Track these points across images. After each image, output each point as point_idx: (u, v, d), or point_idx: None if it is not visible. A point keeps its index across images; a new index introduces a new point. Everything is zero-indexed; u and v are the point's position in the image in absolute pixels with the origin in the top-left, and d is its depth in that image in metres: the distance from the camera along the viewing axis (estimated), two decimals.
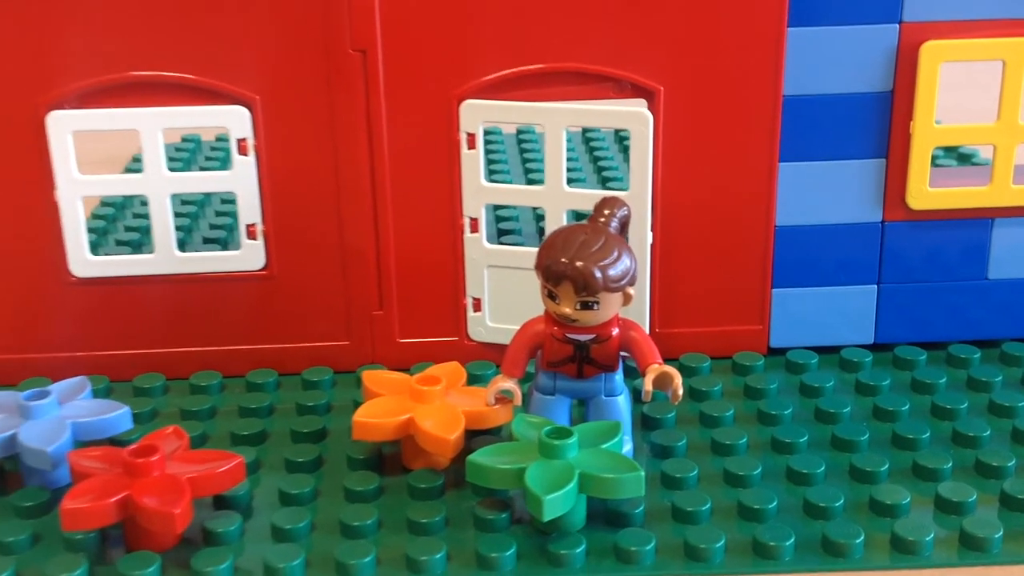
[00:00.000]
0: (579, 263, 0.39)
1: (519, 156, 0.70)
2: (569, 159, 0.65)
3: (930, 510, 0.40)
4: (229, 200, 0.62)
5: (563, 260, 0.39)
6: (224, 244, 0.58)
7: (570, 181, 0.47)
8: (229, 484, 0.39)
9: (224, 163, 0.68)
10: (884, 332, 0.51)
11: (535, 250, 0.45)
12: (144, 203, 0.48)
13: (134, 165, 0.68)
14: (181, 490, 0.37)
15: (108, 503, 0.36)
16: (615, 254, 0.39)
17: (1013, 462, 0.42)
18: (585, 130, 0.72)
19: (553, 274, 0.39)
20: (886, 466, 0.42)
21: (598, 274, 0.39)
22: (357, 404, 0.46)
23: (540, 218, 0.55)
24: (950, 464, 0.42)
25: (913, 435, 0.44)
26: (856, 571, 0.37)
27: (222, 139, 0.73)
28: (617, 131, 0.71)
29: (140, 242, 0.58)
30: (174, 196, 0.48)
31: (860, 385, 0.48)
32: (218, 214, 0.63)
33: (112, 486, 0.37)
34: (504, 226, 0.59)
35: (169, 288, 0.48)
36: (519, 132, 0.74)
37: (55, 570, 0.36)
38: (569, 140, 0.65)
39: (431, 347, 0.49)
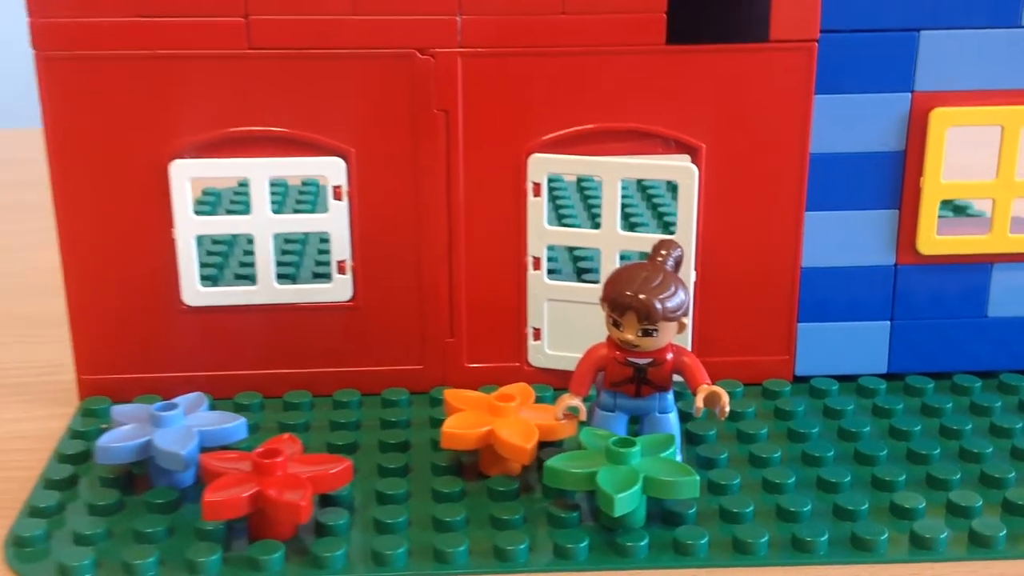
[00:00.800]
0: (642, 296, 0.44)
1: (582, 201, 0.76)
2: (630, 204, 0.70)
3: (942, 514, 0.45)
4: (323, 239, 0.67)
5: (628, 293, 0.45)
6: (315, 278, 0.63)
7: (632, 225, 0.52)
8: (340, 483, 0.44)
9: (313, 206, 0.74)
10: (897, 363, 0.56)
11: (589, 286, 0.51)
12: (250, 241, 0.54)
13: (204, 198, 0.73)
14: (304, 486, 0.42)
15: (242, 497, 0.42)
16: (672, 288, 0.45)
17: (1013, 474, 0.47)
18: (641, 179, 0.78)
19: (619, 305, 0.45)
20: (903, 476, 0.47)
21: (658, 305, 0.44)
22: (433, 420, 0.52)
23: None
24: (958, 475, 0.47)
25: (925, 451, 0.49)
26: (881, 563, 0.43)
27: (308, 183, 0.78)
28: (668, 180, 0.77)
29: (245, 275, 0.63)
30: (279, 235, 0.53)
31: (876, 408, 0.53)
32: (289, 249, 0.68)
33: (244, 483, 0.42)
34: (582, 264, 0.64)
35: (267, 316, 0.54)
36: (580, 180, 0.79)
37: (195, 555, 0.42)
38: (626, 187, 0.71)
39: (495, 371, 0.55)
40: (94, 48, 0.50)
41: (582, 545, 0.43)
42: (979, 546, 0.43)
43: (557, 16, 0.50)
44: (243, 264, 0.64)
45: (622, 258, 0.53)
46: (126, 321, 0.53)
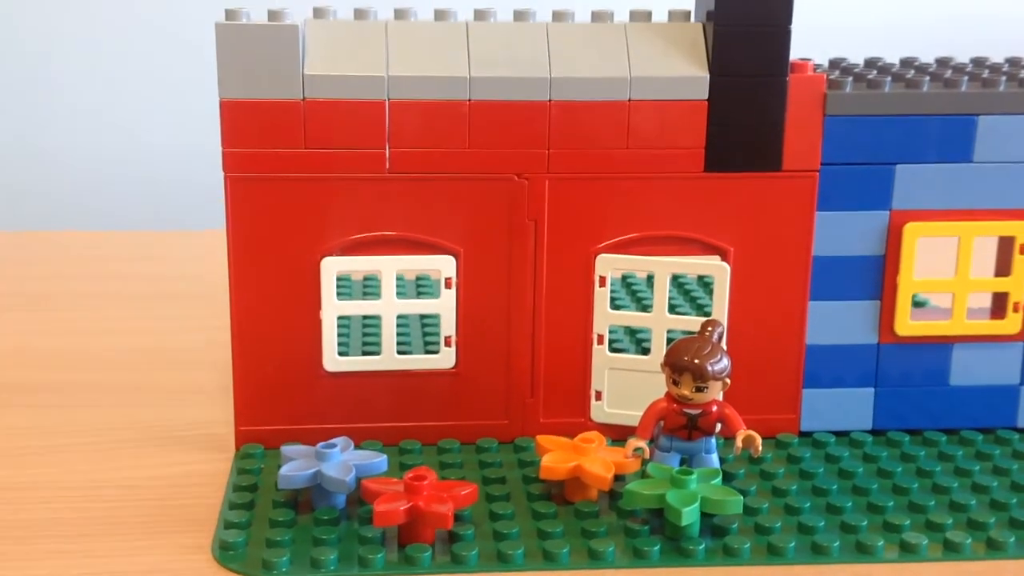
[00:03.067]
0: (696, 361, 0.56)
1: (625, 288, 0.88)
2: (671, 294, 0.82)
3: (922, 529, 0.56)
4: (425, 319, 0.79)
5: (686, 358, 0.57)
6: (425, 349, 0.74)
7: (673, 307, 0.64)
8: (470, 501, 0.55)
9: (430, 293, 0.85)
10: (880, 421, 0.66)
11: (641, 357, 0.63)
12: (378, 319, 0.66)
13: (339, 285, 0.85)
14: (446, 500, 0.53)
15: (401, 509, 0.53)
16: (718, 356, 0.57)
17: (974, 501, 0.59)
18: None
19: (679, 367, 0.57)
20: (891, 503, 0.58)
21: (708, 368, 0.56)
22: (520, 462, 0.63)
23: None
24: (933, 503, 0.58)
25: (906, 485, 0.60)
26: (877, 563, 0.54)
27: (421, 278, 0.90)
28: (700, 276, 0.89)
29: (370, 347, 0.74)
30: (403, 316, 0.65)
31: (866, 456, 0.64)
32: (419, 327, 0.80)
33: (400, 499, 0.53)
34: (641, 337, 0.76)
35: (388, 380, 0.65)
36: (624, 276, 0.91)
37: (366, 553, 0.53)
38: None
39: (564, 425, 0.65)
40: (270, 172, 0.61)
41: (655, 548, 0.54)
42: (952, 551, 0.55)
43: (621, 150, 0.63)
44: (367, 338, 0.76)
45: (669, 335, 0.65)
46: (278, 383, 0.64)
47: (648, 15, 0.64)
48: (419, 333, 0.78)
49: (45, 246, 1.09)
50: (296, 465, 0.57)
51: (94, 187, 1.56)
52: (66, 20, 1.55)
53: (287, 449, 0.59)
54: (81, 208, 1.53)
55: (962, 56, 0.71)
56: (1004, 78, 0.64)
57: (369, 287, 0.88)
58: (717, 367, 0.56)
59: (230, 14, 0.60)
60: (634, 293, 0.88)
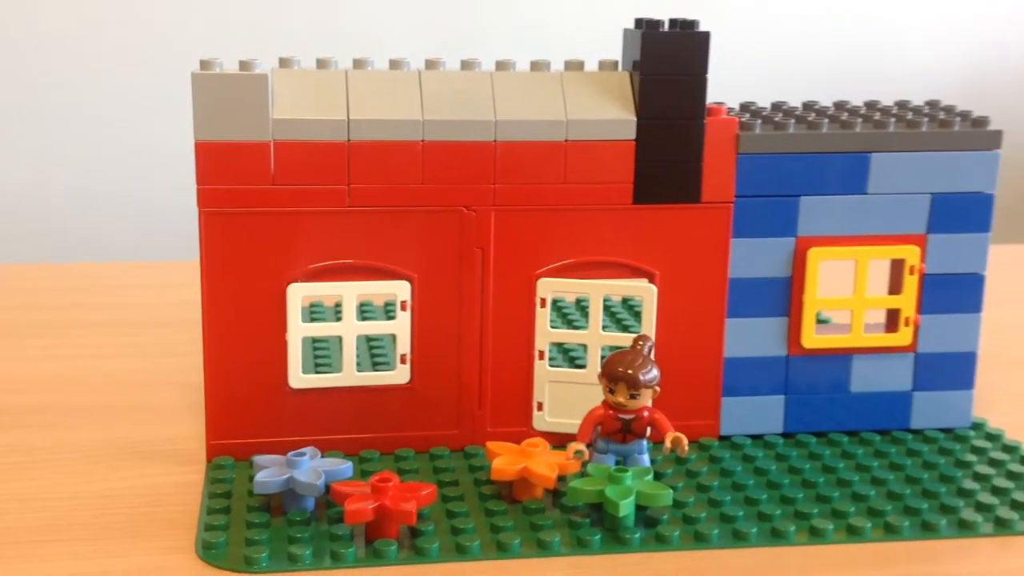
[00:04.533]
0: (630, 371, 0.62)
1: (555, 311, 0.94)
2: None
3: (829, 515, 0.63)
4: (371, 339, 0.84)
5: (620, 369, 0.62)
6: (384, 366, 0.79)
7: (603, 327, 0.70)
8: (429, 501, 0.60)
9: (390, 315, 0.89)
10: (790, 425, 0.72)
11: (578, 371, 0.68)
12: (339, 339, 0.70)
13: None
14: (410, 499, 0.58)
15: (369, 508, 0.57)
16: (649, 367, 0.63)
17: (873, 492, 0.66)
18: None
19: (615, 377, 0.62)
20: (801, 495, 0.65)
21: (641, 377, 0.62)
22: (470, 467, 0.68)
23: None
24: (837, 494, 0.65)
25: (813, 479, 0.67)
26: (791, 546, 0.60)
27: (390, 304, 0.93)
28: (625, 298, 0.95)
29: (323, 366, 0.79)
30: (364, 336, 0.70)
31: (779, 455, 0.70)
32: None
33: (368, 499, 0.58)
34: (573, 354, 0.82)
35: (349, 395, 0.69)
36: (554, 299, 0.96)
37: (338, 547, 0.57)
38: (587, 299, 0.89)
39: (510, 434, 0.69)
40: (241, 206, 0.66)
41: (596, 538, 0.59)
42: (854, 535, 0.61)
43: (559, 185, 0.68)
44: (319, 359, 0.80)
45: (603, 351, 0.71)
46: (246, 399, 0.68)
47: (581, 64, 0.70)
48: (367, 353, 0.83)
49: (4, 278, 1.11)
50: (269, 472, 0.61)
51: (46, 221, 1.59)
52: (18, 54, 1.58)
53: (259, 459, 0.63)
54: (35, 241, 1.56)
55: (856, 96, 0.78)
56: (893, 119, 0.71)
57: (316, 311, 0.93)
58: (648, 376, 0.62)
59: (204, 64, 0.65)
60: (564, 315, 0.93)
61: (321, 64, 0.68)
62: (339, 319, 0.69)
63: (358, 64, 0.68)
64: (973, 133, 0.71)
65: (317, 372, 0.69)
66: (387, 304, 0.94)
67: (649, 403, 0.63)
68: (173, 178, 1.46)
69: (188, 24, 1.66)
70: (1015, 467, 0.69)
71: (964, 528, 0.62)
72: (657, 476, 0.66)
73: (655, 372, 0.63)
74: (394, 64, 0.68)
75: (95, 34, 1.65)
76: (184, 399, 0.78)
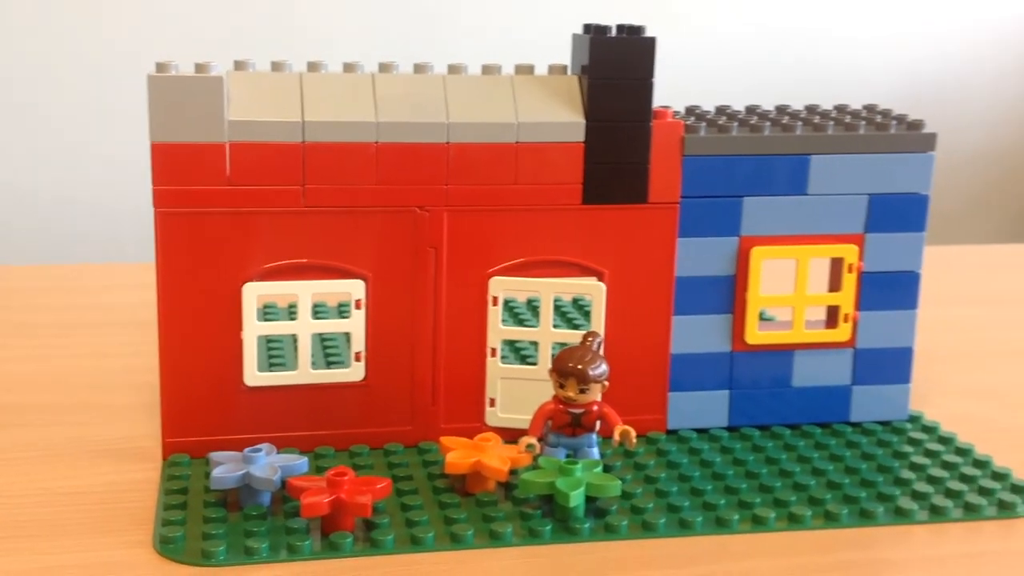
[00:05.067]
0: (579, 366, 0.63)
1: (507, 310, 0.95)
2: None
3: (771, 504, 0.65)
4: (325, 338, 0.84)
5: (570, 365, 0.63)
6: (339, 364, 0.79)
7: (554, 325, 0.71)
8: (384, 494, 0.60)
9: (344, 315, 0.89)
10: (734, 418, 0.73)
11: (530, 367, 0.70)
12: (295, 338, 0.71)
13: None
14: (366, 493, 0.59)
15: (325, 501, 0.58)
16: (598, 362, 0.64)
17: (813, 482, 0.67)
18: None
19: (564, 372, 0.64)
20: (744, 486, 0.66)
21: (590, 372, 0.63)
22: (424, 462, 0.69)
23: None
24: (779, 484, 0.67)
25: (756, 470, 0.69)
26: (734, 534, 0.62)
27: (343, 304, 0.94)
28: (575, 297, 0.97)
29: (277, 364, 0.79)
30: (317, 335, 0.70)
31: (723, 448, 0.72)
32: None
33: (324, 492, 0.59)
34: (524, 352, 0.83)
35: (304, 392, 0.70)
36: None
37: (295, 540, 0.58)
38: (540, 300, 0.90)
39: (463, 429, 0.70)
40: (197, 207, 0.66)
41: (547, 528, 0.61)
42: (795, 523, 0.63)
43: (510, 186, 0.69)
44: (274, 355, 0.81)
45: (553, 348, 0.72)
46: (202, 397, 0.69)
47: (531, 68, 0.71)
48: (320, 351, 0.84)
49: None
50: (226, 468, 0.62)
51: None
52: None
53: (215, 455, 0.64)
54: None
55: (796, 101, 0.81)
56: (832, 123, 0.74)
57: (270, 311, 0.93)
58: (597, 372, 0.63)
59: (160, 67, 0.65)
60: (515, 314, 0.95)
61: (276, 67, 0.69)
62: (293, 319, 0.70)
63: (312, 67, 0.69)
64: (908, 136, 0.73)
65: (271, 371, 0.69)
66: (340, 304, 0.95)
67: (598, 398, 0.65)
68: (128, 179, 1.46)
69: (141, 27, 1.66)
70: (950, 458, 0.71)
71: (900, 516, 0.64)
72: (606, 469, 0.67)
73: (604, 367, 0.64)
74: (348, 67, 0.69)
75: (49, 35, 1.64)
76: (139, 399, 0.78)
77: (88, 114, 1.65)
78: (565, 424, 0.65)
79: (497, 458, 0.64)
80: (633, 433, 0.64)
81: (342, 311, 0.93)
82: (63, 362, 0.86)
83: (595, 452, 0.66)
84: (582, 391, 0.64)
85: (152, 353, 0.82)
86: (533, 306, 0.98)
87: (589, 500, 0.62)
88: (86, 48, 1.64)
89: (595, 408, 0.65)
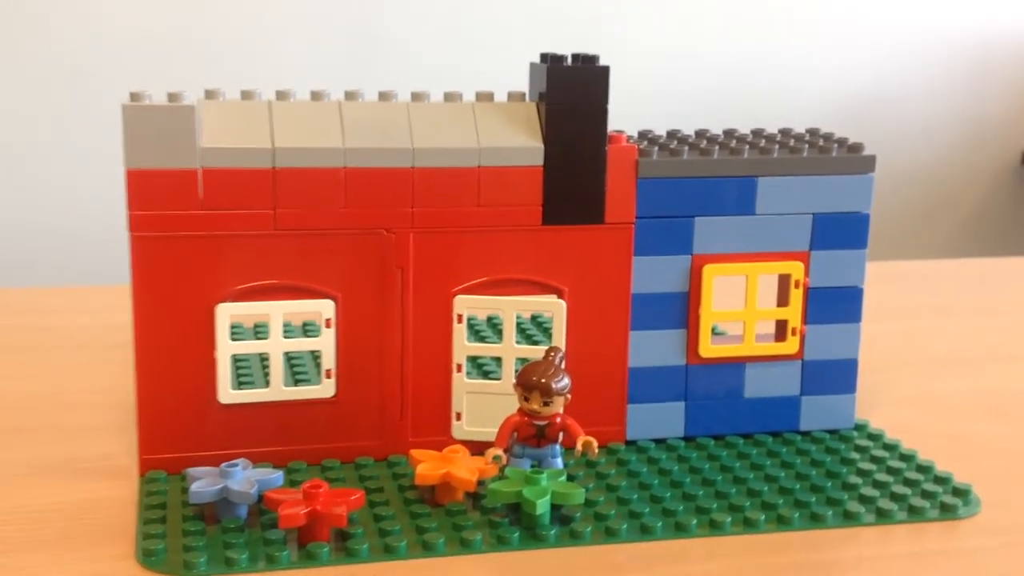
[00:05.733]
0: (543, 380, 0.66)
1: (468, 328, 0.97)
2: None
3: (727, 509, 0.68)
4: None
5: (534, 379, 0.66)
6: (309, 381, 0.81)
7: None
8: (358, 505, 0.63)
9: (309, 334, 0.92)
10: (690, 428, 0.76)
11: (495, 382, 0.72)
12: (261, 357, 0.72)
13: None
14: (341, 504, 0.61)
15: (302, 513, 0.60)
16: (560, 376, 0.67)
17: (766, 488, 0.70)
18: None
19: (529, 386, 0.66)
20: (701, 492, 0.69)
21: (553, 386, 0.66)
22: (394, 475, 0.71)
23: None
24: (734, 490, 0.70)
25: (712, 478, 0.72)
26: (693, 538, 0.65)
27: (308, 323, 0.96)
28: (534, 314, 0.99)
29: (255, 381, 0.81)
30: (284, 353, 0.73)
31: (680, 457, 0.75)
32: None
33: (300, 504, 0.61)
34: (486, 368, 0.86)
35: (276, 409, 0.72)
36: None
37: (273, 551, 0.60)
38: (499, 318, 0.92)
39: (430, 443, 0.72)
40: (171, 231, 0.68)
41: (515, 535, 0.63)
42: (750, 526, 0.66)
43: (473, 208, 0.72)
44: (243, 375, 0.83)
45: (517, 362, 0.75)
46: (178, 415, 0.70)
47: (491, 96, 0.74)
48: (288, 370, 0.86)
49: None
50: (204, 483, 0.63)
51: None
52: None
53: (193, 471, 0.66)
54: None
55: (741, 125, 0.84)
56: (777, 146, 0.77)
57: (236, 331, 0.95)
58: (560, 385, 0.66)
59: (134, 96, 0.67)
60: (476, 331, 0.97)
61: (245, 95, 0.71)
62: (260, 339, 0.71)
63: (281, 95, 0.71)
64: (849, 158, 0.77)
65: (240, 388, 0.71)
66: (305, 324, 0.97)
67: (561, 410, 0.67)
68: (100, 206, 1.47)
69: (104, 54, 1.67)
70: (894, 463, 0.74)
71: (849, 518, 0.67)
72: (569, 478, 0.70)
73: (566, 381, 0.67)
74: (315, 95, 0.72)
75: (14, 63, 1.66)
76: (112, 418, 0.80)
77: (53, 143, 1.67)
78: (530, 436, 0.68)
79: (465, 469, 0.66)
80: (595, 443, 0.67)
81: (307, 331, 0.95)
82: (33, 384, 0.88)
83: (559, 462, 0.68)
84: (546, 404, 0.66)
85: (122, 374, 0.84)
86: (493, 323, 1.01)
87: (554, 508, 0.65)
88: (52, 76, 1.66)
89: (558, 420, 0.67)
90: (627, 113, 0.89)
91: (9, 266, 1.66)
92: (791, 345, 0.78)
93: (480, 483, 0.67)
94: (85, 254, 1.63)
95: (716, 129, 0.83)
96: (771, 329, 0.79)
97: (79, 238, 1.67)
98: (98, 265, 1.50)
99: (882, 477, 0.72)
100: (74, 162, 1.70)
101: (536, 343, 0.92)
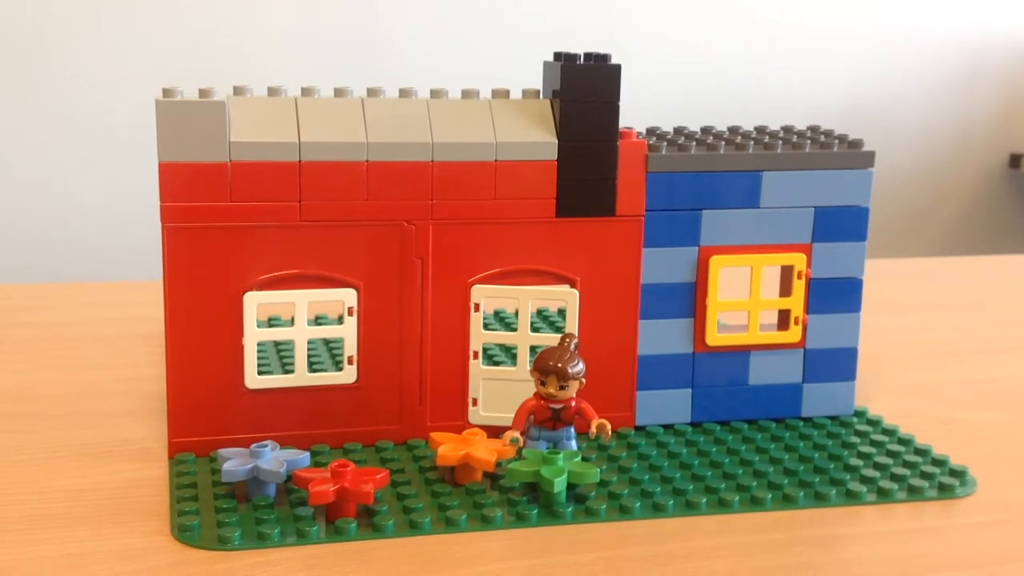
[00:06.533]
0: (560, 365, 0.68)
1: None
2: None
3: (735, 489, 0.70)
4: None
5: (551, 363, 0.68)
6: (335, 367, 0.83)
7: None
8: (383, 484, 0.65)
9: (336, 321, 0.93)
10: (697, 414, 0.78)
11: (510, 368, 0.75)
12: (280, 345, 0.75)
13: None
14: (367, 482, 0.63)
15: (331, 490, 0.62)
16: (576, 361, 0.69)
17: (772, 469, 0.73)
18: None
19: (546, 371, 0.69)
20: (709, 473, 0.72)
21: (569, 370, 0.68)
22: (414, 457, 0.73)
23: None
24: (740, 472, 0.72)
25: (719, 460, 0.74)
26: (702, 515, 0.67)
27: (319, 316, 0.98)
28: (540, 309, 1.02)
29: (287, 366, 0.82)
30: (309, 340, 0.75)
31: (688, 441, 0.77)
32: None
33: (329, 482, 0.63)
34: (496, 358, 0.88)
35: (300, 395, 0.74)
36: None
37: (303, 526, 0.62)
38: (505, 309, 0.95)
39: (448, 428, 0.74)
40: (201, 222, 0.71)
41: (533, 512, 0.65)
42: (757, 504, 0.69)
43: (490, 201, 0.74)
44: (285, 359, 0.85)
45: (532, 349, 0.77)
46: (206, 400, 0.72)
47: (507, 93, 0.76)
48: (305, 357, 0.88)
49: None
50: (235, 462, 0.66)
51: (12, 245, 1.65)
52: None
53: (223, 451, 0.68)
54: None
55: (745, 122, 0.86)
56: (780, 142, 0.79)
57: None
58: (575, 369, 0.69)
59: (167, 92, 0.70)
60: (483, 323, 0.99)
61: (272, 92, 0.73)
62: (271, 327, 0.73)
63: (306, 92, 0.73)
64: (850, 154, 0.79)
65: (259, 375, 0.73)
66: (318, 316, 0.99)
67: (575, 394, 0.70)
68: (131, 203, 1.51)
69: (130, 55, 1.70)
70: (893, 447, 0.77)
71: (851, 497, 0.70)
72: (583, 460, 0.72)
73: (581, 365, 0.69)
74: (339, 92, 0.74)
75: (45, 60, 1.69)
76: (141, 405, 0.82)
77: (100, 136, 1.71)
78: (546, 419, 0.70)
79: (485, 450, 0.68)
80: (609, 426, 0.69)
81: (319, 322, 0.97)
82: (61, 374, 0.90)
83: (573, 444, 0.71)
84: (562, 388, 0.69)
85: (149, 364, 0.87)
86: (500, 316, 1.03)
87: (570, 487, 0.67)
88: (83, 76, 1.69)
89: (573, 404, 0.70)
90: (634, 110, 0.91)
91: (28, 262, 1.69)
92: (794, 334, 0.80)
93: (498, 464, 0.69)
94: (94, 253, 1.67)
95: (719, 126, 0.85)
96: (774, 319, 0.81)
97: (94, 238, 1.70)
98: (118, 263, 1.53)
99: (882, 459, 0.75)
100: (86, 163, 1.72)
101: (558, 329, 0.94)
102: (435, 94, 0.75)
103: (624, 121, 0.76)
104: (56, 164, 1.71)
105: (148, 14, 1.76)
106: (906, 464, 0.74)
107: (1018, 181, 2.40)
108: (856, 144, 0.80)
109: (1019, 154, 2.36)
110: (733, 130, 0.85)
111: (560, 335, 0.72)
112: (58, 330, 1.02)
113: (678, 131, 0.84)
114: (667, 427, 0.80)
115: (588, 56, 0.75)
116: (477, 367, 0.76)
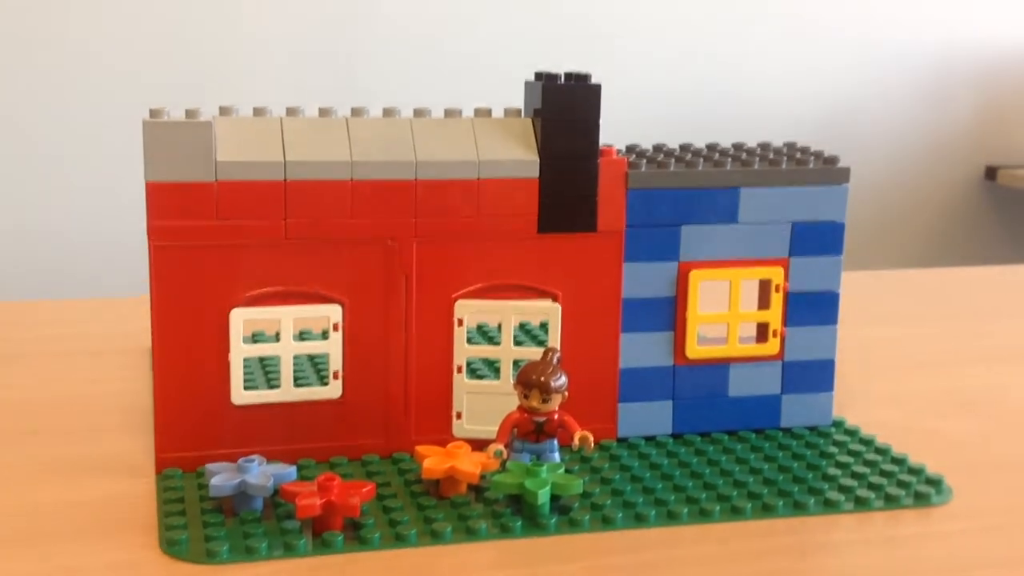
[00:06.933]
0: (542, 379, 0.69)
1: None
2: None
3: (715, 498, 0.71)
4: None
5: (534, 377, 0.70)
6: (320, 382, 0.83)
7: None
8: (369, 497, 0.66)
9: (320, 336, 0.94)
10: (678, 426, 0.79)
11: (493, 382, 0.76)
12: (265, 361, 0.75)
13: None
14: (354, 495, 0.64)
15: (318, 503, 0.63)
16: (559, 374, 0.70)
17: (751, 479, 0.74)
18: None
19: (529, 384, 0.70)
20: (689, 484, 0.73)
21: (552, 384, 0.69)
22: (399, 471, 0.74)
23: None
24: (721, 482, 0.74)
25: (700, 471, 0.75)
26: (683, 525, 0.68)
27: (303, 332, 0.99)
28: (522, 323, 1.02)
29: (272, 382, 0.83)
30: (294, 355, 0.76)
31: (669, 452, 0.78)
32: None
33: (316, 496, 0.64)
34: (479, 372, 0.89)
35: (286, 409, 0.75)
36: None
37: (290, 539, 0.63)
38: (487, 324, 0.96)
39: (432, 441, 0.74)
40: (188, 240, 0.71)
41: (518, 524, 0.66)
42: (737, 514, 0.70)
43: (473, 218, 0.75)
44: (271, 375, 0.85)
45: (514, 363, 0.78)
46: (193, 415, 0.73)
47: (489, 112, 0.77)
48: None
49: None
50: (223, 477, 0.66)
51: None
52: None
53: (211, 466, 0.68)
54: None
55: (724, 138, 0.88)
56: (758, 159, 0.81)
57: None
58: (558, 383, 0.70)
59: (154, 113, 0.70)
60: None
61: (257, 112, 0.74)
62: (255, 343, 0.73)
63: (291, 112, 0.74)
64: (826, 170, 0.81)
65: (245, 391, 0.74)
66: (301, 331, 1.00)
67: (558, 407, 0.71)
68: (119, 219, 1.51)
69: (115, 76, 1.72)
70: (870, 456, 0.78)
71: (829, 506, 0.71)
72: (566, 471, 0.73)
73: (564, 379, 0.70)
74: (323, 112, 0.75)
75: (38, 79, 1.71)
76: (124, 420, 0.83)
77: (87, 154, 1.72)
78: (529, 431, 0.71)
79: (469, 463, 0.69)
80: (591, 438, 0.70)
81: (303, 337, 0.98)
82: (50, 389, 0.90)
83: (557, 456, 0.72)
84: (544, 401, 0.70)
85: (132, 379, 0.87)
86: (482, 331, 1.04)
87: (554, 498, 0.68)
88: (75, 95, 1.70)
89: (556, 416, 0.71)
90: (615, 128, 0.93)
91: (29, 278, 1.71)
92: (772, 346, 0.82)
93: (482, 476, 0.70)
94: (83, 269, 1.67)
95: (698, 142, 0.87)
96: (753, 331, 0.82)
97: (83, 253, 1.71)
98: (110, 277, 1.54)
99: (859, 469, 0.76)
100: (75, 178, 1.73)
101: (541, 343, 0.95)
102: (418, 113, 0.76)
103: (604, 139, 0.78)
104: (45, 180, 1.72)
105: (134, 37, 1.78)
106: (883, 473, 0.75)
107: (994, 193, 2.43)
108: (832, 160, 0.81)
109: (995, 166, 2.39)
110: (711, 147, 0.86)
111: (543, 349, 0.73)
112: (46, 345, 1.03)
113: (657, 148, 0.85)
114: (649, 439, 0.81)
115: (569, 76, 0.77)
116: (461, 381, 0.77)
